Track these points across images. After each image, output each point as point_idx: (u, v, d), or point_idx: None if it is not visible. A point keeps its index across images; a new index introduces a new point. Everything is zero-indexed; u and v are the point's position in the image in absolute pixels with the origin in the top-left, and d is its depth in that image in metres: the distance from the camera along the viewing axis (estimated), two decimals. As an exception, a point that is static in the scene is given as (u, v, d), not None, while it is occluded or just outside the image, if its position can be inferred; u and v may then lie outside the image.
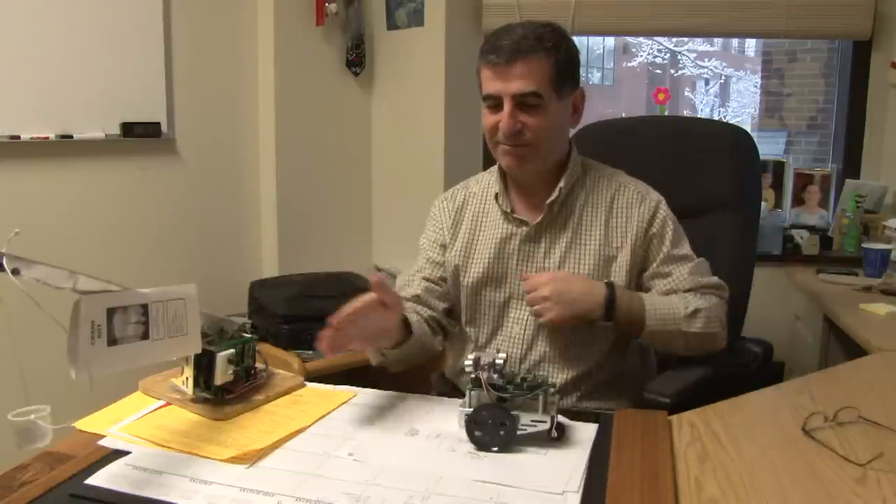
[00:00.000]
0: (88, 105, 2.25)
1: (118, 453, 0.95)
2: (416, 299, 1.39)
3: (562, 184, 1.34)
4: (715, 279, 1.36)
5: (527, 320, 1.35)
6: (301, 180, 2.75)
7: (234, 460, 0.93)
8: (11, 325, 1.85)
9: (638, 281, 1.35)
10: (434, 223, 1.46)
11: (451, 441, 0.99)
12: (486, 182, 1.44)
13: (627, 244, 1.33)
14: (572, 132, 1.42)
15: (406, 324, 1.24)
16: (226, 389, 1.09)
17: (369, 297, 1.08)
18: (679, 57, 8.47)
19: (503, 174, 1.39)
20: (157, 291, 0.95)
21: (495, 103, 1.28)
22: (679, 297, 1.31)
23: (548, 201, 1.34)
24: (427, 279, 1.42)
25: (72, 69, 2.20)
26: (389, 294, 1.11)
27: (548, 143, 1.30)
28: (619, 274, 1.32)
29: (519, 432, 0.97)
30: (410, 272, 1.45)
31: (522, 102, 1.26)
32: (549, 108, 1.27)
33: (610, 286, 1.27)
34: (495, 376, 1.00)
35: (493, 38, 1.28)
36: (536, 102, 1.26)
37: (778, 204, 2.70)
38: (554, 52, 1.26)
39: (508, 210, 1.37)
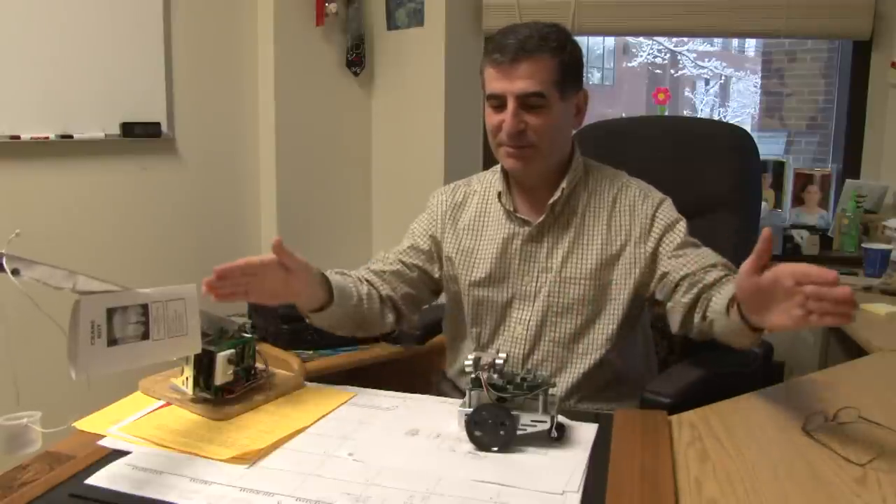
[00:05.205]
0: (88, 105, 2.25)
1: (118, 453, 0.95)
2: (380, 275, 1.39)
3: (564, 184, 1.34)
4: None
5: (529, 320, 1.35)
6: (301, 180, 2.75)
7: (235, 460, 0.93)
8: (8, 327, 1.85)
9: (650, 270, 1.32)
10: (430, 213, 1.47)
11: (451, 441, 0.99)
12: (489, 181, 1.44)
13: (631, 242, 1.33)
14: (575, 133, 1.42)
15: (330, 291, 1.26)
16: (226, 389, 1.09)
17: (267, 256, 1.12)
18: (679, 57, 8.48)
19: (506, 174, 1.39)
20: (157, 291, 0.95)
21: (499, 103, 1.28)
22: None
23: (550, 201, 1.34)
24: (402, 262, 1.42)
25: (72, 69, 2.20)
26: (290, 258, 1.15)
27: (550, 143, 1.30)
28: (619, 273, 1.32)
29: (519, 432, 0.97)
30: (392, 249, 1.46)
31: (526, 102, 1.26)
32: (552, 108, 1.27)
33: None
34: (495, 376, 1.00)
35: (498, 38, 1.28)
36: (540, 103, 1.26)
37: (778, 204, 2.70)
38: (559, 53, 1.26)
39: (511, 209, 1.37)
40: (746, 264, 0.98)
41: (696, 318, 1.25)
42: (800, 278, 0.89)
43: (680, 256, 1.30)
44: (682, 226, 1.33)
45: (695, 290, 1.25)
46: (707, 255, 1.30)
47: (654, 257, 1.32)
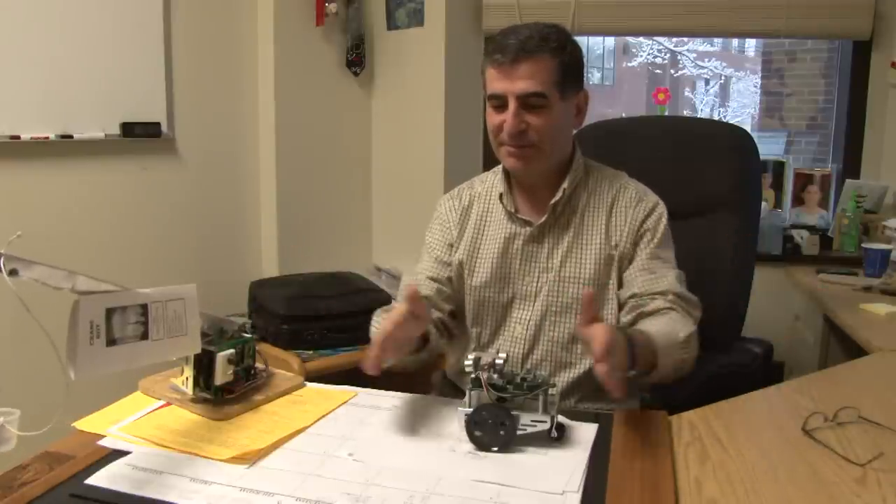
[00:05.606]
0: (88, 105, 2.25)
1: (118, 453, 0.95)
2: (426, 301, 1.38)
3: (565, 184, 1.34)
4: (695, 298, 1.32)
5: (529, 320, 1.35)
6: (301, 180, 2.75)
7: (235, 460, 0.93)
8: (2, 325, 1.84)
9: (621, 276, 1.33)
10: (441, 222, 1.45)
11: (451, 441, 0.99)
12: (491, 182, 1.44)
13: (622, 243, 1.33)
14: (575, 133, 1.42)
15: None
16: (226, 389, 1.09)
17: (403, 309, 1.05)
18: (679, 57, 8.47)
19: (507, 174, 1.39)
20: (156, 291, 0.95)
21: (500, 103, 1.28)
22: (666, 323, 1.23)
23: (551, 202, 1.34)
24: (435, 279, 1.40)
25: (72, 69, 2.20)
26: (421, 305, 1.08)
27: (551, 143, 1.30)
28: (616, 273, 1.33)
29: (519, 432, 0.97)
30: (416, 270, 1.44)
31: (527, 103, 1.26)
32: (553, 108, 1.27)
33: (620, 329, 1.18)
34: (495, 376, 1.00)
35: (499, 38, 1.28)
36: (541, 103, 1.26)
37: (778, 204, 2.70)
38: (559, 53, 1.26)
39: (512, 210, 1.37)
40: (578, 321, 1.05)
41: None
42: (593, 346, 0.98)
43: (642, 270, 1.31)
44: (658, 235, 1.33)
45: (633, 315, 1.28)
46: (663, 279, 1.30)
47: (630, 257, 1.33)
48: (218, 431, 1.01)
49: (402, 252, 2.77)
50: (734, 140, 1.74)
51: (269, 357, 1.22)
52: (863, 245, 2.34)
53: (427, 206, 1.50)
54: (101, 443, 0.98)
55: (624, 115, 3.23)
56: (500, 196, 1.39)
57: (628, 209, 1.35)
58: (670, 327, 1.22)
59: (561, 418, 1.01)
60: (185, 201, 2.54)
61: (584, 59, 1.35)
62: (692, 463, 0.93)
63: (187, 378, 1.09)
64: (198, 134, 2.53)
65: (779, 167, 2.71)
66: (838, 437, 0.97)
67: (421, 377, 1.53)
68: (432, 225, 1.47)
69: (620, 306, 1.32)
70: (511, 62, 1.25)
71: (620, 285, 1.33)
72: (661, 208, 1.36)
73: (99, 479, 0.88)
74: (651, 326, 1.21)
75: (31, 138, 2.13)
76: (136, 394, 1.16)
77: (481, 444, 0.97)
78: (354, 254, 2.89)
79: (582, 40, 2.80)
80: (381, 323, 1.07)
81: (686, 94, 8.77)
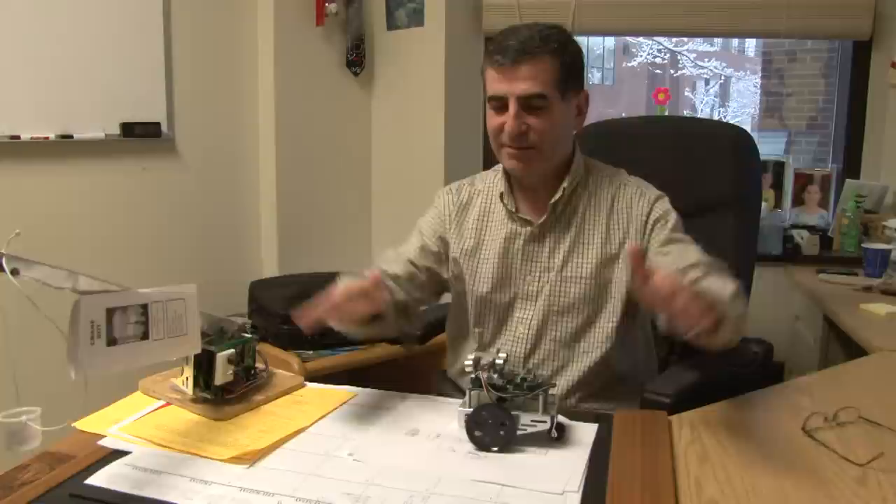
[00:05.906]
0: (88, 105, 2.25)
1: (118, 453, 0.95)
2: (395, 279, 1.37)
3: (565, 184, 1.34)
4: (724, 263, 1.23)
5: (530, 320, 1.35)
6: (301, 180, 2.75)
7: (235, 460, 0.93)
8: (7, 324, 1.84)
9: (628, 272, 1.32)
10: (437, 213, 1.45)
11: (451, 441, 0.99)
12: (491, 181, 1.44)
13: (627, 240, 1.33)
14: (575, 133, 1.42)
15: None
16: (226, 389, 1.09)
17: (358, 287, 1.10)
18: (679, 57, 8.48)
19: (507, 174, 1.39)
20: (157, 291, 0.95)
21: (501, 104, 1.28)
22: (712, 282, 1.12)
23: (551, 201, 1.34)
24: (413, 263, 1.41)
25: (72, 69, 2.20)
26: (380, 292, 1.13)
27: (552, 144, 1.30)
28: (618, 271, 1.33)
29: (519, 432, 0.97)
30: (399, 250, 1.44)
31: (527, 104, 1.26)
32: (553, 109, 1.27)
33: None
34: (495, 376, 1.00)
35: (499, 39, 1.28)
36: (541, 104, 1.26)
37: (778, 204, 2.70)
38: (560, 54, 1.26)
39: (513, 210, 1.37)
40: (632, 281, 1.00)
41: None
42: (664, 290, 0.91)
43: (665, 254, 1.29)
44: (671, 221, 1.33)
45: None
46: (689, 253, 1.27)
47: (645, 254, 1.32)
48: (218, 431, 1.01)
49: (402, 252, 2.77)
50: (734, 140, 1.74)
51: (269, 357, 1.22)
52: (863, 245, 2.34)
53: (427, 207, 1.50)
54: (101, 443, 0.98)
55: (624, 115, 3.23)
56: (501, 195, 1.39)
57: (630, 206, 1.35)
58: (717, 284, 1.11)
59: (561, 418, 1.01)
60: (185, 201, 2.54)
61: (585, 60, 1.35)
62: (692, 463, 0.93)
63: (187, 378, 1.09)
64: (198, 134, 2.53)
65: (779, 167, 2.71)
66: (838, 437, 0.97)
67: (421, 377, 1.54)
68: (428, 213, 1.47)
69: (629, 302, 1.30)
70: (511, 63, 1.25)
71: (627, 284, 1.31)
72: (664, 200, 1.36)
73: (99, 479, 0.88)
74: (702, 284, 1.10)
75: (31, 138, 2.13)
76: (136, 394, 1.16)
77: (481, 444, 0.97)
78: (354, 254, 2.89)
79: (582, 40, 2.80)
80: (334, 290, 1.11)
81: (686, 94, 8.78)
